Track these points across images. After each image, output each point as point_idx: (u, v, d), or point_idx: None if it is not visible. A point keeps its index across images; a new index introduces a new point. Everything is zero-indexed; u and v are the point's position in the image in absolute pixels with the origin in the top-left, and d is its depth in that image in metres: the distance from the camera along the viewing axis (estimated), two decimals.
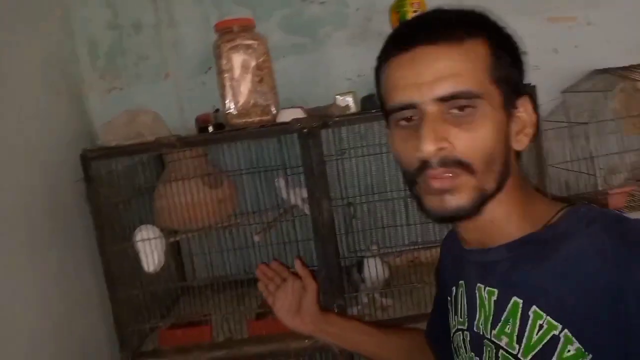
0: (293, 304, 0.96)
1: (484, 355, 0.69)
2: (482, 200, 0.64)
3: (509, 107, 0.65)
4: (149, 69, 1.75)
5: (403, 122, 0.66)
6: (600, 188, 1.54)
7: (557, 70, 1.71)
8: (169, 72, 1.76)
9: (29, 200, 1.25)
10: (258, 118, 1.33)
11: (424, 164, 0.63)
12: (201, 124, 1.41)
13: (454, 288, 0.79)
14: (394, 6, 1.44)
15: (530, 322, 0.62)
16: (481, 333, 0.70)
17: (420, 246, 1.48)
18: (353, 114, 1.33)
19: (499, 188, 0.65)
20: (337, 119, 1.28)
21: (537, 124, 0.68)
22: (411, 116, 0.64)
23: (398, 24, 1.36)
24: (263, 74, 1.34)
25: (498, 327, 0.66)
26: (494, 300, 0.68)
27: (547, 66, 1.73)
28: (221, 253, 1.64)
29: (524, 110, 0.67)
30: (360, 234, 1.49)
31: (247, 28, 1.38)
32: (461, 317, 0.75)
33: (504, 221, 0.67)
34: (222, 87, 1.34)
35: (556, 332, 0.60)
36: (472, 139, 0.62)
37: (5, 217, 1.15)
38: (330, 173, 1.33)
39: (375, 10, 1.67)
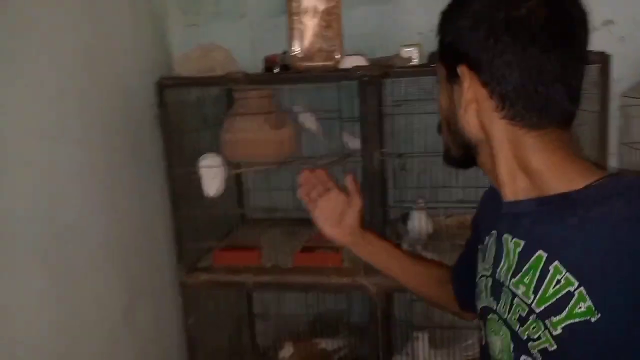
0: (334, 214, 0.97)
1: (501, 301, 0.73)
2: (453, 156, 0.77)
3: (452, 79, 0.72)
4: (227, 8, 1.83)
5: None
6: None
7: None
8: (245, 12, 1.83)
9: (110, 121, 1.38)
10: (322, 63, 1.38)
11: None
12: (268, 64, 1.47)
13: (487, 237, 0.82)
14: None
15: (549, 275, 0.65)
16: (501, 280, 0.73)
17: (467, 207, 1.49)
18: (414, 66, 1.34)
19: (467, 151, 0.74)
20: (398, 69, 1.30)
21: (468, 95, 0.70)
22: None
23: None
24: (331, 20, 1.38)
25: (518, 276, 0.69)
26: (519, 251, 0.70)
27: (633, 38, 1.64)
28: (278, 190, 1.74)
29: (463, 78, 0.70)
30: (410, 188, 1.52)
31: None
32: (487, 264, 0.79)
33: (509, 179, 0.71)
34: (290, 29, 1.39)
35: (572, 289, 0.62)
36: (439, 106, 0.76)
37: (89, 135, 1.29)
38: (387, 125, 1.37)
39: None
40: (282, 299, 1.88)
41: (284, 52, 1.53)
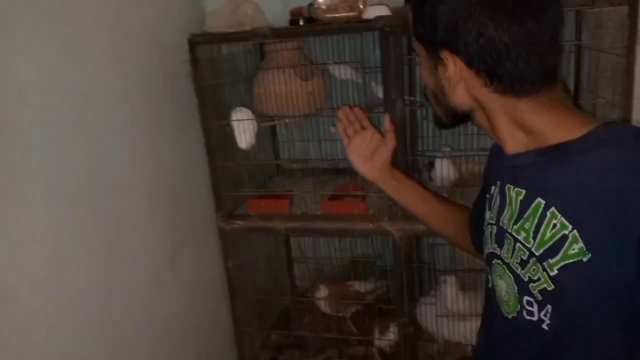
0: (367, 150, 1.07)
1: (504, 246, 0.78)
2: (439, 121, 0.83)
3: (434, 60, 0.75)
4: None
5: None
6: None
7: None
8: None
9: (148, 77, 1.46)
10: (345, 14, 1.39)
11: None
12: (293, 16, 1.50)
13: (492, 187, 0.87)
14: None
15: (546, 220, 0.69)
16: (505, 227, 0.78)
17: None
18: None
19: (457, 118, 0.80)
20: None
21: (453, 78, 0.73)
22: None
23: None
24: None
25: (519, 223, 0.74)
26: (521, 200, 0.75)
27: None
28: (310, 141, 1.81)
29: (447, 61, 0.73)
30: (433, 137, 1.54)
31: None
32: (492, 213, 0.84)
33: (508, 137, 0.75)
34: None
35: (566, 232, 0.66)
36: (423, 77, 0.81)
37: (127, 92, 1.38)
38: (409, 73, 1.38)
39: None
40: (317, 245, 1.98)
41: (310, 4, 1.54)
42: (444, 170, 1.49)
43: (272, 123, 1.66)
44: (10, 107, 1.00)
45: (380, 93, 1.55)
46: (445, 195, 1.51)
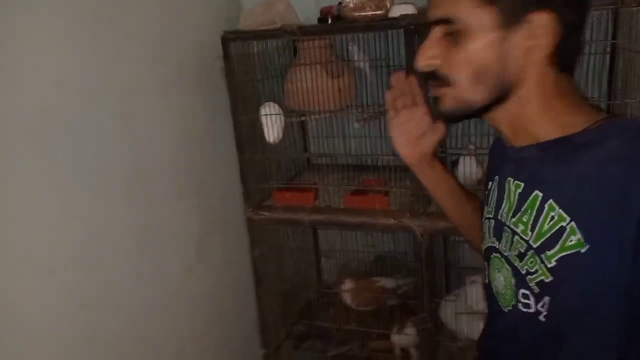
0: (414, 131, 0.91)
1: (502, 239, 0.80)
2: (469, 109, 0.74)
3: (510, 24, 0.68)
4: None
5: None
6: None
7: None
8: None
9: (182, 73, 1.54)
10: (372, 12, 1.42)
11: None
12: (322, 14, 1.54)
13: (490, 183, 0.88)
14: None
15: (544, 213, 0.70)
16: (503, 221, 0.79)
17: None
18: None
19: (494, 100, 0.73)
20: None
21: (549, 40, 0.69)
22: None
23: None
24: None
25: (517, 216, 0.75)
26: (519, 193, 0.76)
27: None
28: (337, 137, 1.84)
29: (537, 26, 0.68)
30: (457, 135, 1.55)
31: None
32: (490, 207, 0.85)
33: (529, 126, 0.74)
34: None
35: (564, 224, 0.67)
36: (454, 58, 0.71)
37: (163, 85, 1.46)
38: None
39: None
40: (345, 239, 2.01)
41: (340, 3, 1.58)
42: (467, 168, 1.49)
43: (299, 118, 1.70)
44: (51, 97, 1.09)
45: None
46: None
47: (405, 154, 0.94)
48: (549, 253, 0.69)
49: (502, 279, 0.80)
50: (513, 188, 0.77)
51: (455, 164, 1.54)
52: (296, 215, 1.62)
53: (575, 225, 0.66)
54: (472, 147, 1.49)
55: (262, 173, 1.72)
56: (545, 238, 0.70)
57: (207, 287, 1.66)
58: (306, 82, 1.64)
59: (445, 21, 0.70)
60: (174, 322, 1.49)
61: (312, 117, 1.71)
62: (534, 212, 0.72)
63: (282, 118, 1.60)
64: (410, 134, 0.92)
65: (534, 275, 0.72)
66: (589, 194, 0.65)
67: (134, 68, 1.34)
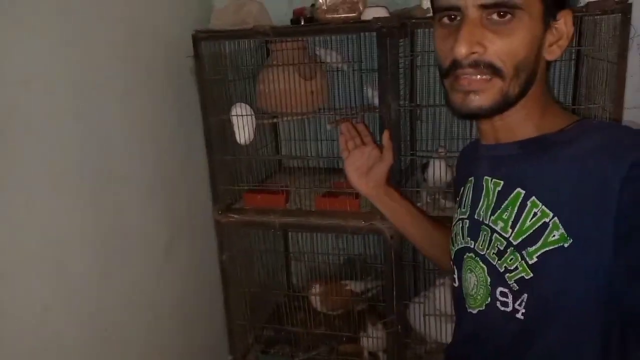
0: (364, 166, 1.03)
1: (479, 238, 0.79)
2: (506, 103, 0.71)
3: (548, 18, 0.69)
4: None
5: (445, 20, 0.72)
6: None
7: None
8: None
9: (150, 71, 1.50)
10: (344, 14, 1.42)
11: (456, 64, 0.70)
12: (295, 16, 1.53)
13: (462, 188, 0.88)
14: None
15: (526, 210, 0.71)
16: (480, 219, 0.79)
17: None
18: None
19: (522, 94, 0.72)
20: (415, 20, 1.32)
21: (572, 38, 0.73)
22: (455, 16, 0.71)
23: None
24: None
25: (497, 213, 0.75)
26: (498, 191, 0.76)
27: None
28: (309, 140, 1.84)
29: (563, 22, 0.71)
30: (428, 139, 1.57)
31: None
32: (464, 208, 0.85)
33: (522, 123, 0.75)
34: None
35: (547, 220, 0.68)
36: (506, 46, 0.67)
37: (130, 84, 1.42)
38: (404, 76, 1.40)
39: None
40: (315, 243, 2.00)
41: (312, 5, 1.58)
42: (437, 171, 1.50)
43: (271, 120, 1.69)
44: (15, 96, 1.04)
45: (373, 97, 1.57)
46: (441, 199, 1.55)
47: (361, 187, 1.05)
48: (530, 249, 0.69)
49: (473, 279, 0.80)
50: (492, 186, 0.78)
51: (425, 167, 1.56)
52: (267, 218, 1.60)
53: (557, 221, 0.67)
54: (442, 150, 1.51)
55: (232, 175, 1.69)
56: (527, 234, 0.70)
57: (174, 291, 1.62)
58: (279, 83, 1.63)
59: (498, 5, 0.66)
60: (140, 327, 1.45)
61: (284, 119, 1.70)
62: (516, 209, 0.72)
63: (254, 119, 1.58)
64: (361, 169, 1.04)
65: (514, 273, 0.72)
66: (570, 189, 0.66)
67: (100, 66, 1.30)
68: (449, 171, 1.53)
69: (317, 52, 1.67)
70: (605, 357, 0.67)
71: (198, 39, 1.53)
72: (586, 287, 0.66)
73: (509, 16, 0.67)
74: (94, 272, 1.27)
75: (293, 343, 1.85)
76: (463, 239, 0.84)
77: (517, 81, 0.69)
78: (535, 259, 0.69)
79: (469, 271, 0.82)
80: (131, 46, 1.41)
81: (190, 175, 1.69)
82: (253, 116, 1.58)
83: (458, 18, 0.70)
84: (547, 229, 0.68)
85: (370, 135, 1.08)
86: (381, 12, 1.37)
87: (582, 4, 1.23)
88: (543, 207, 0.69)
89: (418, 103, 1.55)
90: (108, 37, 1.32)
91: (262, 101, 1.72)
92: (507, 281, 0.73)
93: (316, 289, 1.90)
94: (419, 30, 1.48)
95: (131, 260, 1.41)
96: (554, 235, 0.67)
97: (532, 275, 0.70)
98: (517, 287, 0.72)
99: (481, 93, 0.69)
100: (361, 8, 1.44)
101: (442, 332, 1.63)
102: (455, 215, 0.89)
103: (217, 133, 1.62)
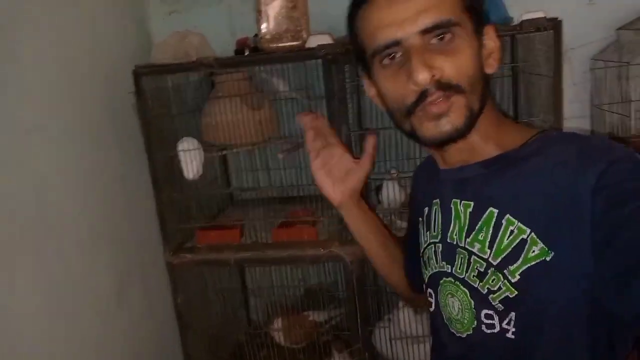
0: (337, 171, 0.90)
1: (456, 262, 0.77)
2: (472, 119, 0.71)
3: (478, 34, 0.71)
4: None
5: (386, 61, 0.71)
6: (633, 132, 1.50)
7: (613, 6, 1.63)
8: None
9: (90, 110, 1.44)
10: (289, 43, 1.42)
11: (423, 94, 0.68)
12: (238, 46, 1.52)
13: (426, 209, 0.86)
14: None
15: (502, 228, 0.69)
16: (455, 243, 0.77)
17: None
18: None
19: (481, 109, 0.72)
20: None
21: (501, 49, 0.74)
22: (394, 54, 0.70)
23: None
24: (296, 0, 1.41)
25: (472, 235, 0.74)
26: (470, 212, 0.75)
27: (603, 2, 1.65)
28: (261, 171, 1.80)
29: (489, 37, 0.73)
30: (379, 161, 1.57)
31: None
32: (434, 232, 0.82)
33: (482, 141, 0.74)
34: (257, 11, 1.43)
35: (524, 236, 0.67)
36: (457, 63, 0.68)
37: (72, 123, 1.35)
38: (352, 100, 1.41)
39: None
40: (273, 276, 1.95)
41: (256, 35, 1.57)
42: (391, 192, 1.51)
43: (220, 153, 1.65)
44: None
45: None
46: (396, 220, 1.55)
47: (333, 194, 0.91)
48: (512, 268, 0.68)
49: (457, 303, 0.77)
50: (462, 208, 0.76)
51: (379, 189, 1.55)
52: (222, 255, 1.54)
53: (535, 236, 0.66)
54: (394, 172, 1.52)
55: (182, 213, 1.63)
56: (506, 253, 0.69)
57: (128, 339, 1.52)
58: (225, 115, 1.60)
59: (439, 26, 0.67)
60: None
61: (233, 150, 1.66)
62: (491, 229, 0.71)
63: (202, 153, 1.54)
64: (333, 174, 0.90)
65: (497, 293, 0.70)
66: (542, 204, 0.66)
67: (36, 106, 1.23)
68: (402, 192, 1.53)
69: (266, 78, 1.65)
70: None
71: (139, 74, 1.48)
72: (571, 297, 0.65)
73: (449, 35, 0.68)
74: (40, 325, 1.18)
75: None
76: (437, 263, 0.81)
77: (475, 95, 0.70)
78: (518, 277, 0.68)
79: (449, 296, 0.79)
80: (67, 85, 1.35)
81: (137, 217, 1.61)
82: (201, 150, 1.54)
83: (399, 54, 0.69)
84: (525, 245, 0.67)
85: (334, 134, 0.93)
86: (325, 39, 1.37)
87: (516, 23, 1.28)
88: (519, 224, 0.68)
89: (367, 127, 1.55)
90: (43, 78, 1.25)
91: (209, 134, 1.68)
92: (491, 302, 0.71)
93: (278, 323, 1.84)
94: None
95: (79, 309, 1.32)
96: (533, 251, 0.66)
97: (516, 293, 0.68)
98: (503, 307, 0.70)
99: (451, 114, 0.69)
100: (305, 36, 1.44)
101: (410, 354, 1.61)
102: (425, 239, 0.87)
103: (164, 170, 1.56)
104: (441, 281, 0.81)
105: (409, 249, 0.98)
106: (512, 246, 0.68)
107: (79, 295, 1.32)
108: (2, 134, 1.11)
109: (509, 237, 0.69)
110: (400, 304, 1.67)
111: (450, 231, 0.78)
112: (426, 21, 0.67)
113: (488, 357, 0.75)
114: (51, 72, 1.29)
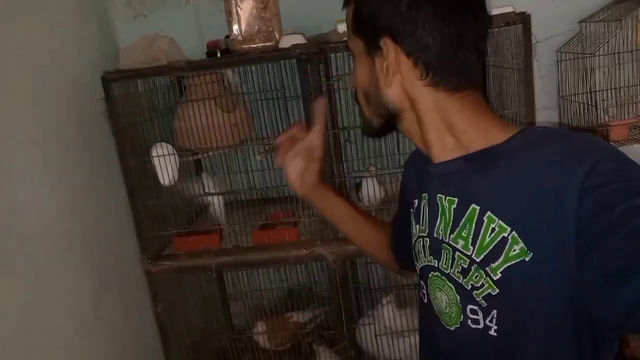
0: (297, 166, 0.95)
1: (442, 257, 0.77)
2: (373, 127, 0.79)
3: (372, 51, 0.74)
4: None
5: None
6: (601, 121, 1.54)
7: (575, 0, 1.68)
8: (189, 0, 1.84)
9: (59, 118, 1.39)
10: (261, 44, 1.41)
11: None
12: (210, 48, 1.50)
13: (416, 201, 0.86)
14: None
15: (484, 226, 0.69)
16: (440, 238, 0.77)
17: None
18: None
19: (388, 120, 0.77)
20: (333, 45, 1.34)
21: (396, 62, 0.72)
22: None
23: None
24: (267, 1, 1.40)
25: (456, 231, 0.73)
26: (454, 208, 0.74)
27: None
28: (240, 173, 1.78)
29: (386, 49, 0.72)
30: (358, 159, 1.58)
31: None
32: (422, 226, 0.83)
33: (437, 141, 0.75)
34: (228, 13, 1.42)
35: (505, 234, 0.66)
36: (353, 82, 0.79)
37: (40, 134, 1.31)
38: (329, 99, 1.40)
39: None
40: (254, 279, 1.93)
41: (227, 37, 1.55)
42: (370, 189, 1.51)
43: (194, 157, 1.63)
44: None
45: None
46: (373, 214, 1.55)
47: (298, 188, 0.98)
48: (493, 265, 0.68)
49: (444, 297, 0.78)
50: (447, 204, 0.76)
51: (358, 186, 1.56)
52: (201, 261, 1.52)
53: (516, 235, 0.65)
54: (373, 169, 1.52)
55: (159, 219, 1.60)
56: (488, 250, 0.69)
57: (107, 349, 1.48)
58: (198, 118, 1.57)
59: (349, 48, 0.78)
60: None
61: (209, 154, 1.64)
62: (473, 225, 0.71)
63: (177, 158, 1.51)
64: (296, 170, 0.96)
65: (481, 290, 0.70)
66: (524, 202, 0.65)
67: (4, 116, 1.18)
68: (382, 188, 1.54)
69: (232, 80, 1.64)
70: None
71: (108, 80, 1.44)
72: (554, 300, 0.65)
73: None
74: (15, 342, 1.14)
75: None
76: (425, 257, 0.82)
77: (371, 109, 0.78)
78: (499, 275, 0.68)
79: (437, 289, 0.79)
80: (34, 94, 1.31)
81: (113, 225, 1.57)
82: (176, 155, 1.51)
83: None
84: (506, 243, 0.66)
85: (304, 131, 0.95)
86: (298, 39, 1.37)
87: None
88: (500, 222, 0.67)
89: (345, 125, 1.55)
90: (9, 86, 1.21)
91: (182, 138, 1.65)
92: (475, 298, 0.71)
93: (261, 326, 1.83)
94: (331, 55, 1.49)
95: (55, 319, 1.29)
96: (514, 250, 0.66)
97: (498, 291, 0.68)
98: (486, 304, 0.70)
99: (362, 117, 0.82)
100: (277, 36, 1.43)
101: (394, 349, 1.62)
102: (415, 232, 0.87)
103: (139, 177, 1.52)
104: (430, 275, 0.81)
105: (397, 229, 0.99)
106: (494, 244, 0.68)
107: (53, 305, 1.28)
108: None
109: (490, 234, 0.68)
110: (384, 300, 1.68)
111: (436, 226, 0.78)
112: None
113: (476, 354, 0.75)
114: (17, 80, 1.24)
